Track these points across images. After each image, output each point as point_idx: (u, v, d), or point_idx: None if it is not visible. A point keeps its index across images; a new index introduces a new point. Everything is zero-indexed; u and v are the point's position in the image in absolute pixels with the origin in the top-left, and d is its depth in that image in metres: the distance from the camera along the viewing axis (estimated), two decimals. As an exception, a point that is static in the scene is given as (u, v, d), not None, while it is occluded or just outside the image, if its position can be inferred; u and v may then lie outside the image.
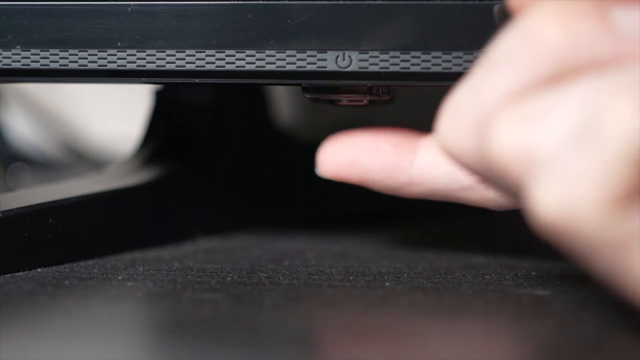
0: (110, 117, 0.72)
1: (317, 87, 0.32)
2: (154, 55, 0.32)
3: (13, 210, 0.33)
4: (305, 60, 0.31)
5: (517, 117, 0.23)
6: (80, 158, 0.68)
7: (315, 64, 0.31)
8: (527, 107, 0.23)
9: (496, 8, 0.29)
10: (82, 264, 0.35)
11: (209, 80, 0.32)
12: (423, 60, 0.30)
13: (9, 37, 0.32)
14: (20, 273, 0.33)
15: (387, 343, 0.26)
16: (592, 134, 0.21)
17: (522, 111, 0.23)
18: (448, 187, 0.32)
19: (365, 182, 0.33)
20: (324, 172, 0.33)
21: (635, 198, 0.21)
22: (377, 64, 0.31)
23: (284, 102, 0.48)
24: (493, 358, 0.24)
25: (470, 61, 0.30)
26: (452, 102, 0.24)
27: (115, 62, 0.32)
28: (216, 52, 0.31)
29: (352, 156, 0.33)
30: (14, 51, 0.32)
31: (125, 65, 0.32)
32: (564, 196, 0.22)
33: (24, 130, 0.70)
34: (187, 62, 0.32)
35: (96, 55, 0.32)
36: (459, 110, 0.24)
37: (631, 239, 0.21)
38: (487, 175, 0.24)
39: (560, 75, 0.23)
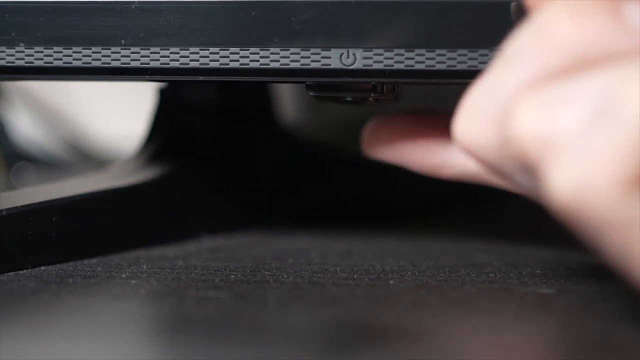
0: (114, 116, 0.72)
1: (321, 85, 0.32)
2: (158, 53, 0.32)
3: (17, 208, 0.33)
4: (309, 58, 0.31)
5: (537, 103, 0.23)
6: (84, 156, 0.68)
7: (319, 61, 0.31)
8: (546, 93, 0.23)
9: (513, 5, 0.29)
10: (85, 262, 0.35)
11: (213, 78, 0.32)
12: (427, 58, 0.30)
13: (13, 34, 0.32)
14: (24, 271, 0.33)
15: (391, 341, 0.25)
16: (608, 118, 0.22)
17: (541, 97, 0.23)
18: (479, 169, 0.33)
19: (402, 163, 0.34)
20: (367, 153, 0.35)
21: None
22: (382, 62, 0.30)
23: (288, 100, 0.48)
24: (498, 356, 0.24)
25: (475, 59, 0.30)
26: (469, 99, 0.25)
27: (119, 60, 0.32)
28: (220, 49, 0.31)
29: (390, 138, 0.34)
30: (17, 49, 0.32)
31: (129, 63, 0.32)
32: (580, 177, 0.22)
33: (28, 129, 0.70)
34: (191, 60, 0.32)
35: (100, 53, 0.32)
36: (476, 106, 0.25)
37: None
38: (505, 167, 0.25)
39: (575, 68, 0.23)
